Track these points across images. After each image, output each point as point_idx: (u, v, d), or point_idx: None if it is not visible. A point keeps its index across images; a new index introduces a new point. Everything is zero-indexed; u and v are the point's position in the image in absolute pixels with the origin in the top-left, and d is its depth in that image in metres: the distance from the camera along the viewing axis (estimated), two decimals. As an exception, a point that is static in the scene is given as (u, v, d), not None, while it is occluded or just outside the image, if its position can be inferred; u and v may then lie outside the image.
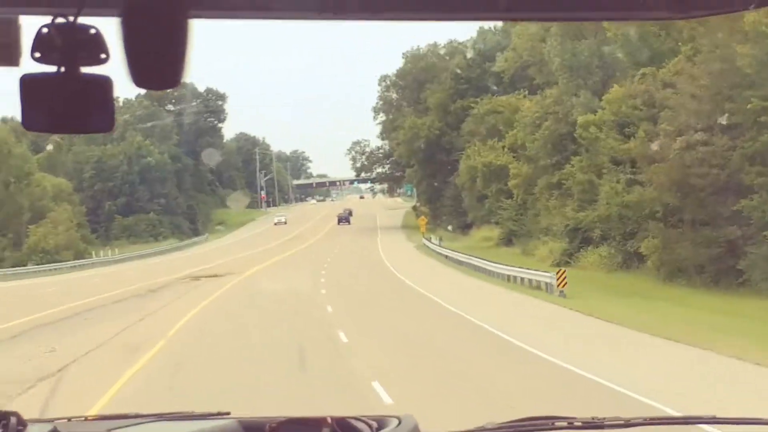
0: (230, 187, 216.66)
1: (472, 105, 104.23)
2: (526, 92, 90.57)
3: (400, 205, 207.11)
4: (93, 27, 2.84)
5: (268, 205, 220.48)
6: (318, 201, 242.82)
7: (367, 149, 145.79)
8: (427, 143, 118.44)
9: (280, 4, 3.12)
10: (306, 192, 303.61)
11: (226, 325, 34.88)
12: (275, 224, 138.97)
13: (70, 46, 2.81)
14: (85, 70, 2.84)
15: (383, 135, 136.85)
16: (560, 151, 73.27)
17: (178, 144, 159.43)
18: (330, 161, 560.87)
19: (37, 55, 2.81)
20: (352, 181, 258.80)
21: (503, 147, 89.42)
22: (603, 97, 65.23)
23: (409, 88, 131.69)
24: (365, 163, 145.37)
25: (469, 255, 63.80)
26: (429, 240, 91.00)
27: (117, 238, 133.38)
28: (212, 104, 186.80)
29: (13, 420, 3.27)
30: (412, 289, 47.65)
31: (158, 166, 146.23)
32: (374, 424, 3.05)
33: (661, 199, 50.01)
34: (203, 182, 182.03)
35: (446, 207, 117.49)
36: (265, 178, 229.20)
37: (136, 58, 2.65)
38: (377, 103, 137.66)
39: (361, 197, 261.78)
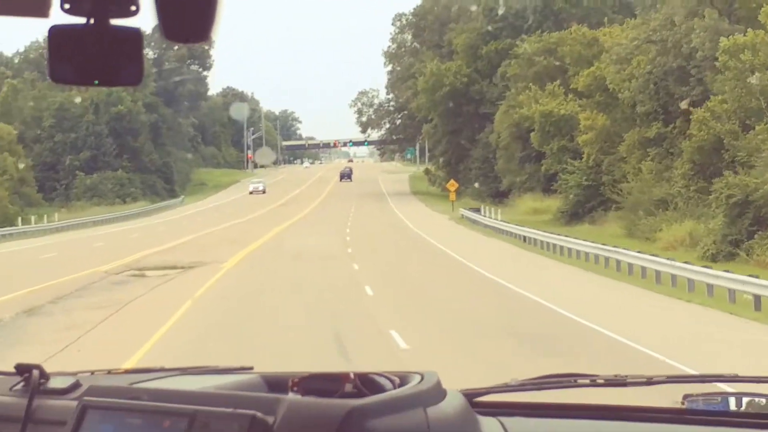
0: (214, 145, 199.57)
1: (517, 44, 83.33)
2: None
3: (400, 169, 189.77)
4: None
5: (255, 166, 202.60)
6: (310, 164, 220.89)
7: (376, 100, 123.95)
8: (452, 93, 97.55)
9: None
10: (295, 154, 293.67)
11: None
12: (250, 193, 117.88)
13: None
14: (115, 22, 2.78)
15: (395, 85, 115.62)
16: (668, 94, 52.68)
17: (156, 92, 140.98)
18: (321, 123, 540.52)
19: (67, 6, 2.75)
20: (345, 143, 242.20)
21: (564, 92, 68.82)
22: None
23: (429, 29, 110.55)
24: (372, 117, 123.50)
25: (574, 238, 43.02)
26: (477, 211, 70.14)
27: (78, 199, 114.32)
28: (197, 49, 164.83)
29: (35, 372, 3.28)
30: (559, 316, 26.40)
31: (130, 117, 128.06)
32: (396, 380, 2.97)
33: None
34: (184, 137, 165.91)
35: (473, 170, 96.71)
36: (252, 137, 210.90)
37: (166, 10, 2.64)
38: (389, 47, 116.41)
39: (350, 160, 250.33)
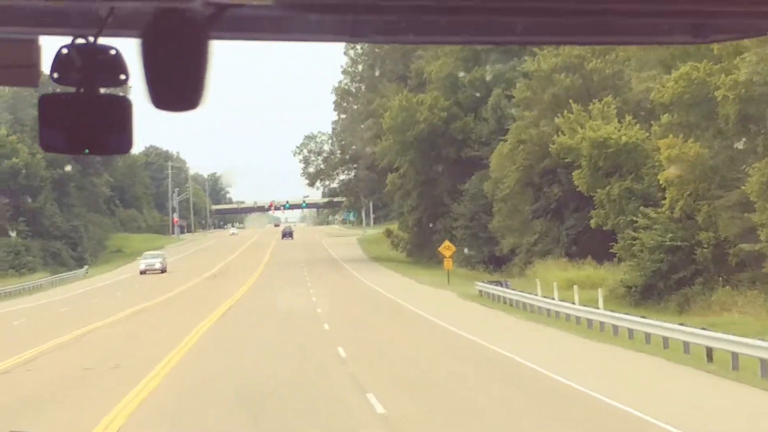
0: (135, 207, 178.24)
1: (526, 59, 62.81)
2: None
3: (342, 232, 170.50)
4: (113, 48, 2.86)
5: (182, 231, 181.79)
6: (237, 230, 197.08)
7: (326, 146, 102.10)
8: (428, 132, 76.90)
9: (299, 27, 3.15)
10: (226, 219, 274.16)
11: None
12: (141, 273, 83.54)
13: (90, 67, 2.82)
14: (105, 90, 2.85)
15: (349, 129, 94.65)
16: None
17: None
18: (252, 186, 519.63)
19: (57, 75, 2.82)
20: (279, 207, 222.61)
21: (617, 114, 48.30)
22: None
23: (391, 59, 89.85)
24: (322, 167, 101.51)
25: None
26: (498, 284, 48.20)
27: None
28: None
29: None
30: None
31: (28, 172, 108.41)
32: None
33: None
34: (97, 198, 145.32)
35: (458, 230, 75.67)
36: (178, 199, 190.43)
37: (155, 80, 2.63)
38: (341, 82, 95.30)
39: (276, 225, 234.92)
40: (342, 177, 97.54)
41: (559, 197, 59.27)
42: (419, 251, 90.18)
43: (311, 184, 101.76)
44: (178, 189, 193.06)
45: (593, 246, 55.55)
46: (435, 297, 50.01)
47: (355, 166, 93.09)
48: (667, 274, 41.81)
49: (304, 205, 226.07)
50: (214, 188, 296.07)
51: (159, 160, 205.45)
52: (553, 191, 58.76)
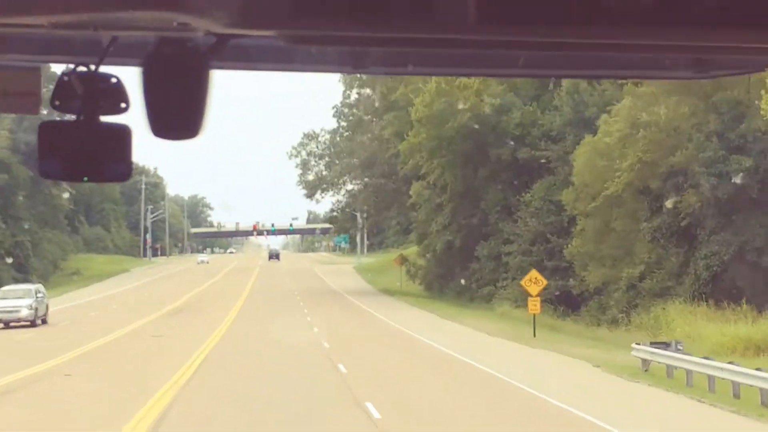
0: (102, 225, 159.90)
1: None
2: None
3: (333, 259, 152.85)
4: (114, 76, 2.85)
5: (156, 254, 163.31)
6: (206, 257, 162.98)
7: (332, 148, 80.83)
8: (474, 125, 57.38)
9: (301, 58, 3.20)
10: (205, 243, 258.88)
11: None
12: None
13: (90, 95, 2.81)
14: (105, 118, 2.83)
15: (359, 126, 74.68)
16: None
17: (13, 146, 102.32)
18: (237, 209, 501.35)
19: (57, 103, 2.83)
20: (263, 231, 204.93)
21: None
22: None
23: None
24: (324, 172, 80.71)
25: None
26: (666, 346, 27.49)
27: None
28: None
29: None
30: None
31: None
32: None
33: None
34: (56, 212, 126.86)
35: (513, 257, 55.90)
36: (152, 218, 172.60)
37: (155, 108, 2.60)
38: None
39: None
40: (350, 187, 77.09)
41: (692, 211, 39.70)
42: (443, 284, 70.54)
43: (310, 195, 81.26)
44: (152, 207, 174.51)
45: (751, 283, 36.20)
46: (554, 367, 29.12)
47: (367, 176, 72.48)
48: None
49: (291, 228, 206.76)
50: (194, 211, 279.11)
51: (134, 176, 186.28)
52: (688, 200, 39.02)
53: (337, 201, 76.97)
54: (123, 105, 2.79)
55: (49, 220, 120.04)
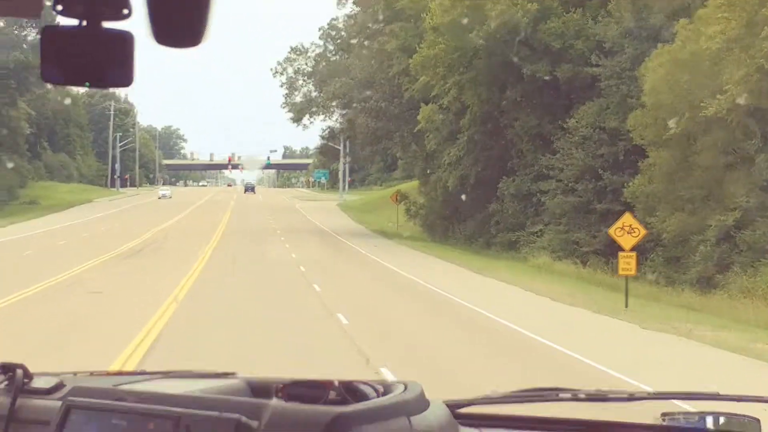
0: (66, 152, 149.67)
1: None
2: None
3: (314, 195, 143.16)
4: None
5: (125, 185, 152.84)
6: (165, 192, 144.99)
7: (323, 64, 69.61)
8: (504, 34, 46.76)
9: None
10: (179, 175, 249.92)
11: None
12: None
13: (93, 0, 2.78)
14: (107, 24, 2.78)
15: (361, 33, 63.66)
16: None
17: None
18: (211, 141, 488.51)
19: (60, 7, 2.77)
20: (235, 165, 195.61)
21: None
22: None
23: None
24: (314, 94, 69.43)
25: None
26: None
27: None
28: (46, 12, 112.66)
29: (19, 372, 3.25)
30: None
31: None
32: (380, 389, 3.00)
33: None
34: (14, 135, 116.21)
35: (552, 196, 45.54)
36: (122, 146, 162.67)
37: (158, 14, 2.61)
38: None
39: (229, 185, 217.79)
40: (344, 111, 65.84)
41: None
42: (446, 227, 60.41)
43: (297, 120, 70.19)
44: (121, 134, 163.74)
45: None
46: (726, 368, 18.49)
47: (370, 95, 61.37)
48: None
49: (268, 162, 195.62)
50: (167, 142, 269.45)
51: (102, 100, 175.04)
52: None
53: (327, 127, 66.45)
54: (125, 11, 2.68)
55: (5, 142, 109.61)
